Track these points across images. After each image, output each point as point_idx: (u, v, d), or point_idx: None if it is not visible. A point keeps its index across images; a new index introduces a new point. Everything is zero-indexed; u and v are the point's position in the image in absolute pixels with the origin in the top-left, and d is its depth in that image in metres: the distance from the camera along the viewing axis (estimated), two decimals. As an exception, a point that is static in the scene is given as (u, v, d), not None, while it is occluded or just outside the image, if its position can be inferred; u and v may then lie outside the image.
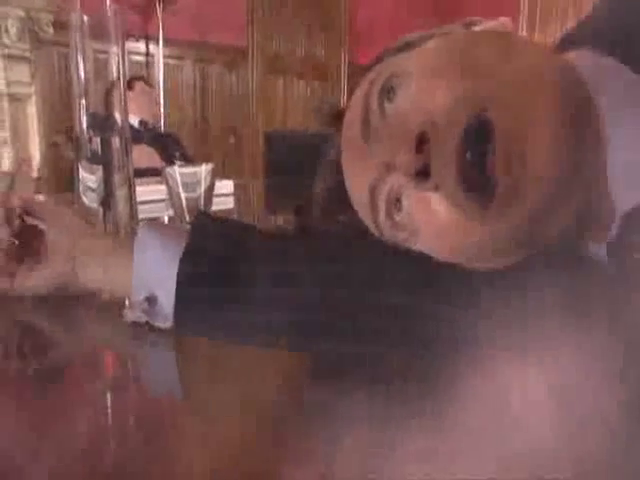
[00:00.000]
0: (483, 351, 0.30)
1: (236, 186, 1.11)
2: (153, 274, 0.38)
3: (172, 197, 0.61)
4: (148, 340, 0.39)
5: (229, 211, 0.97)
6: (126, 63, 0.53)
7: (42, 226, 0.44)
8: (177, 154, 2.05)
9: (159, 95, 2.67)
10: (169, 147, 2.10)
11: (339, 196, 0.38)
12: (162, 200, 0.89)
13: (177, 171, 0.61)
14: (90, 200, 0.50)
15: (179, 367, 0.38)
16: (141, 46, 3.37)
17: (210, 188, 0.62)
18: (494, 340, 0.30)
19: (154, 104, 2.02)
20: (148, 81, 2.26)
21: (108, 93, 0.53)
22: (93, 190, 0.49)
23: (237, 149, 4.07)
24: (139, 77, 2.29)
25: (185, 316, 0.36)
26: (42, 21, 2.94)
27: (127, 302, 0.41)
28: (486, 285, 0.33)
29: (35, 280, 0.42)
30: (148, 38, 3.37)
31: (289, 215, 1.12)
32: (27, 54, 2.92)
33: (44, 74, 3.08)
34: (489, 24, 0.35)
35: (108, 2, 0.54)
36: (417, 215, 0.32)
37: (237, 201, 1.08)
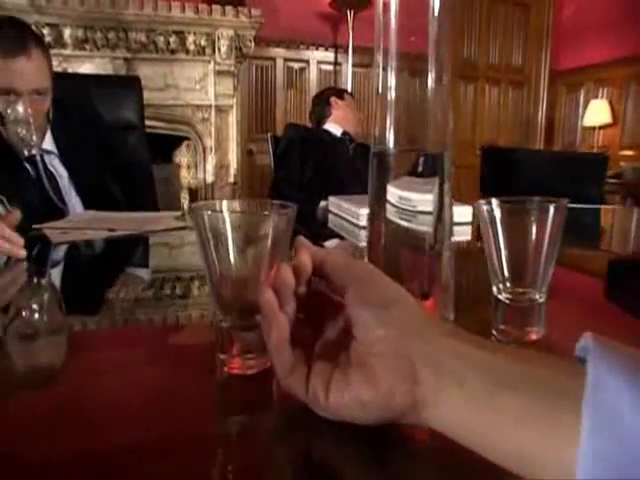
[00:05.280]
0: None
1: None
2: (629, 458, 0.18)
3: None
4: None
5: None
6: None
7: (342, 301, 0.26)
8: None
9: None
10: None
11: None
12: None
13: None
14: (420, 224, 0.36)
15: None
16: (330, 55, 3.41)
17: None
18: None
19: (356, 116, 1.92)
20: (352, 93, 2.21)
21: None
22: (427, 213, 0.35)
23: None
24: (344, 90, 2.24)
25: None
26: (246, 38, 3.16)
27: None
28: None
29: (339, 399, 0.24)
30: (336, 47, 3.39)
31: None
32: (232, 68, 3.17)
33: (243, 86, 3.31)
34: None
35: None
36: None
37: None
